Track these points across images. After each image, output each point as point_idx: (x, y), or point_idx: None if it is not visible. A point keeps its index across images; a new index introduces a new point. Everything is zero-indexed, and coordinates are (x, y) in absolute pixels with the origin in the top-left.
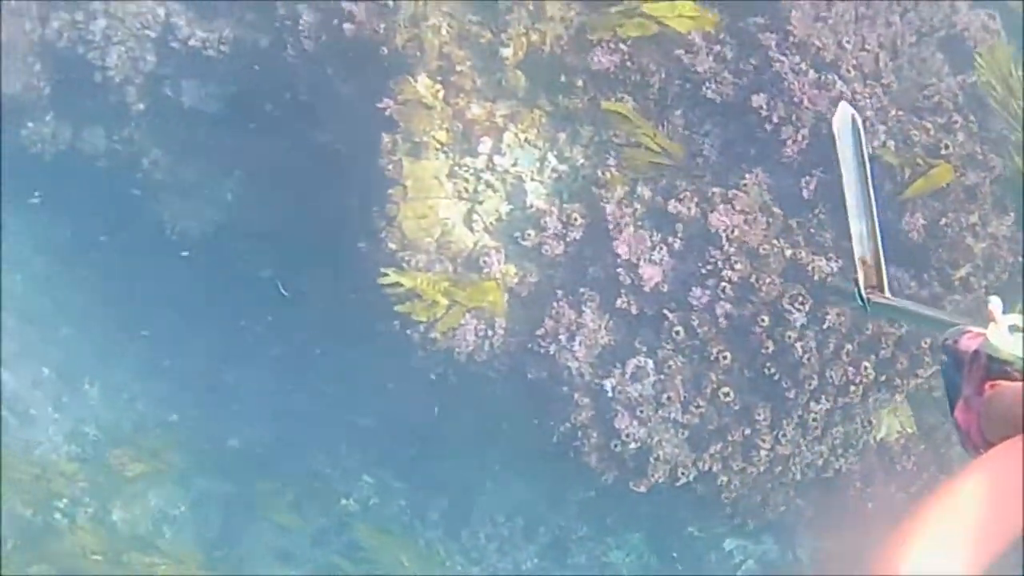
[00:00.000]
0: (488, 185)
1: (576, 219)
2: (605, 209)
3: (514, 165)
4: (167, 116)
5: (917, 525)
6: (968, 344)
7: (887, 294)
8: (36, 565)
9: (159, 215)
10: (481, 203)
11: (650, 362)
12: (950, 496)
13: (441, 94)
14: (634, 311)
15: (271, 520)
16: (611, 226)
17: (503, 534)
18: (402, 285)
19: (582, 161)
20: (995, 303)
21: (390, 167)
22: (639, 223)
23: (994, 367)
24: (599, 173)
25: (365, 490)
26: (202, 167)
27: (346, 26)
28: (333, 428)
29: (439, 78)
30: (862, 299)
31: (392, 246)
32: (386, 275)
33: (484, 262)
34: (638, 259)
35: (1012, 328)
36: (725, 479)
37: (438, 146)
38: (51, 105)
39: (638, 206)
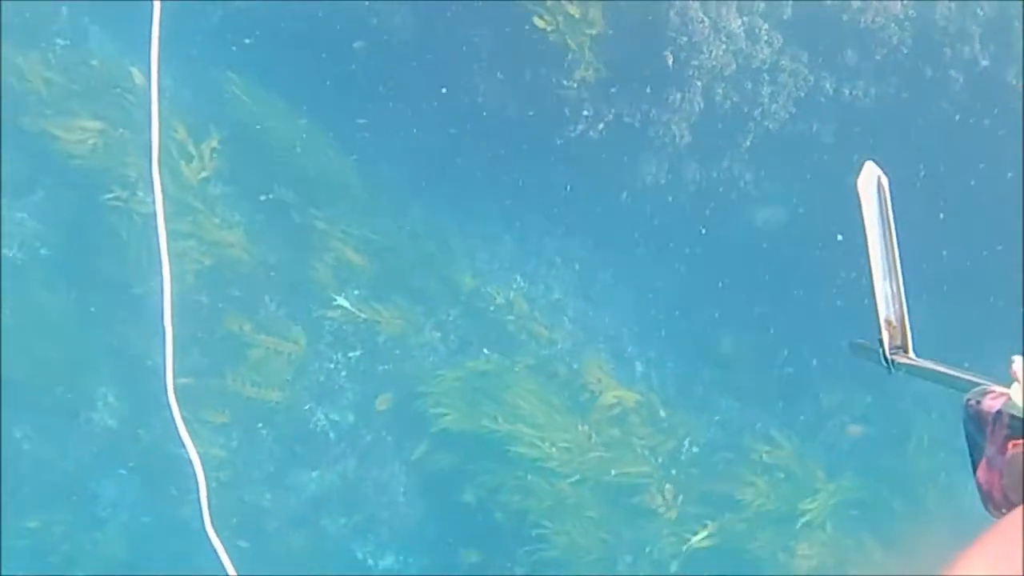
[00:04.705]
0: None
1: None
2: None
3: None
4: (769, 147)
5: None
6: (991, 404)
7: (911, 354)
8: None
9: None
10: None
11: None
12: (975, 560)
13: None
14: None
15: None
16: None
17: None
18: None
19: None
20: (1019, 363)
21: None
22: None
23: (1018, 426)
24: None
25: None
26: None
27: None
28: None
29: None
30: (886, 360)
31: None
32: None
33: None
34: None
35: None
36: None
37: None
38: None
39: None
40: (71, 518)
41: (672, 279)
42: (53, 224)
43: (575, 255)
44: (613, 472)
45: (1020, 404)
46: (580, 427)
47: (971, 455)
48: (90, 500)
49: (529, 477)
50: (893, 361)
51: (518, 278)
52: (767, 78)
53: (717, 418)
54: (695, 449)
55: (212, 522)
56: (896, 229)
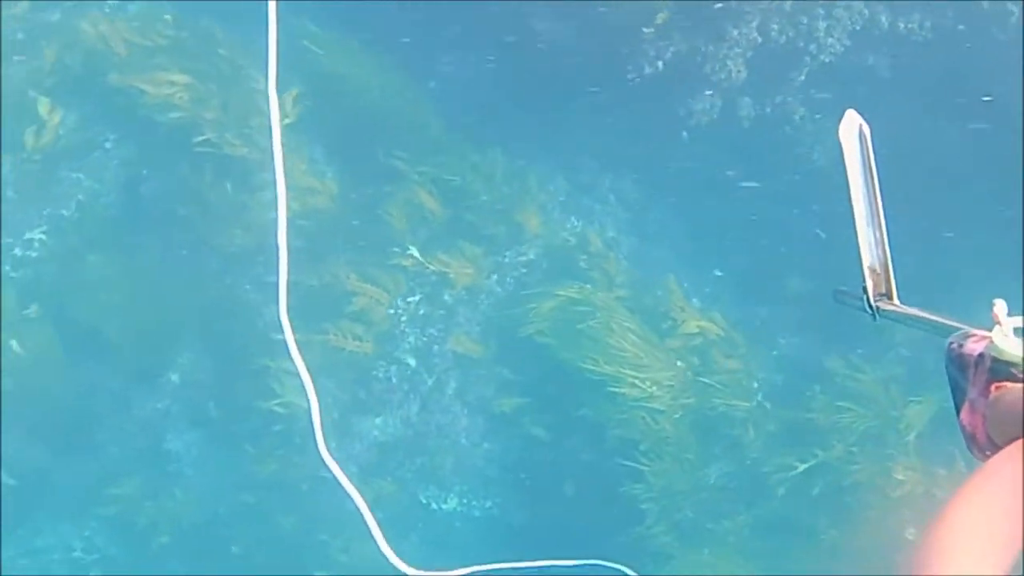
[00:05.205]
0: None
1: None
2: None
3: None
4: (824, 81)
5: (940, 531)
6: (973, 347)
7: (896, 301)
8: None
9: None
10: None
11: None
12: (964, 503)
13: None
14: None
15: None
16: None
17: None
18: None
19: None
20: (1000, 306)
21: None
22: None
23: (999, 369)
24: None
25: None
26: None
27: None
28: None
29: None
30: (871, 307)
31: None
32: None
33: None
34: None
35: (1017, 330)
36: None
37: None
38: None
39: None
40: (152, 481)
41: (726, 215)
42: (142, 176)
43: (629, 194)
44: (716, 403)
45: (1002, 347)
46: (678, 363)
47: (954, 398)
48: (168, 460)
49: (628, 413)
50: (878, 308)
51: (573, 219)
52: (822, 12)
53: (775, 353)
54: (775, 380)
55: (321, 456)
56: (878, 175)
